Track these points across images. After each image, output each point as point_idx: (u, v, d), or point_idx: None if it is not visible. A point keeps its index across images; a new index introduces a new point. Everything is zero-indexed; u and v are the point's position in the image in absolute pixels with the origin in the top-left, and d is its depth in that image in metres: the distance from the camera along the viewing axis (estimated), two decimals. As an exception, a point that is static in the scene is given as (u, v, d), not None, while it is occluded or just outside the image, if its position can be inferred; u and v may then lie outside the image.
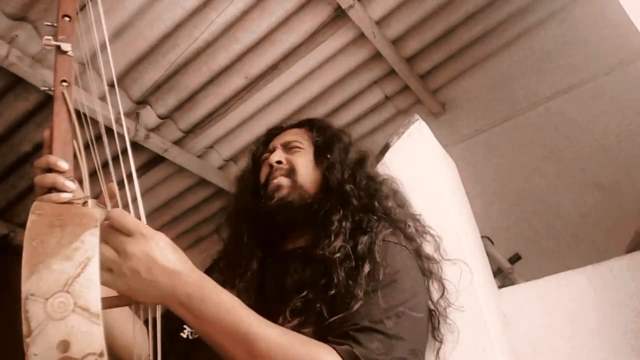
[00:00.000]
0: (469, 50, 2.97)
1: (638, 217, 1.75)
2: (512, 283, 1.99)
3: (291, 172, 1.15)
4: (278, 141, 1.25)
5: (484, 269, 1.60)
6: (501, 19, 2.82)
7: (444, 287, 1.10)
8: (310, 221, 1.08)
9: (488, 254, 1.84)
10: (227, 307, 0.74)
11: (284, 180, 1.13)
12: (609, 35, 2.58)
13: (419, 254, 1.08)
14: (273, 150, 1.22)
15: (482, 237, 1.80)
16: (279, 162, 1.16)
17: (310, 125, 1.27)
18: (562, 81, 2.81)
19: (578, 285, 1.52)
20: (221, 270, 1.13)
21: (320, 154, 1.18)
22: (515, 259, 2.16)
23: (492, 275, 1.74)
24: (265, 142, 1.31)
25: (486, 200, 2.42)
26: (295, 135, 1.24)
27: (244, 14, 2.38)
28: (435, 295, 1.09)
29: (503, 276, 2.08)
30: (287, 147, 1.21)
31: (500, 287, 1.73)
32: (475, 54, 3.00)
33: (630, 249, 1.62)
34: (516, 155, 2.86)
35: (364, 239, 0.98)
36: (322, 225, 1.05)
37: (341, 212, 1.06)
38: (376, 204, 1.11)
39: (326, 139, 1.22)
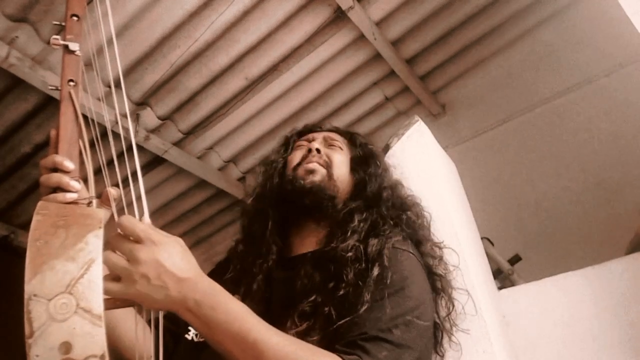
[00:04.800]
0: (469, 52, 2.98)
1: (638, 218, 1.75)
2: (512, 284, 1.99)
3: (328, 165, 1.14)
4: (319, 134, 1.24)
5: (483, 270, 1.60)
6: (500, 21, 2.83)
7: (452, 306, 1.09)
8: (330, 218, 1.08)
9: (488, 255, 1.84)
10: (235, 315, 0.74)
11: (319, 168, 1.12)
12: (609, 37, 2.59)
13: (430, 270, 1.07)
14: (312, 139, 1.21)
15: (482, 238, 1.80)
16: (319, 151, 1.15)
17: (352, 138, 1.27)
18: (561, 82, 2.81)
19: (577, 286, 1.52)
20: (239, 255, 1.13)
21: (357, 164, 1.18)
22: (515, 260, 2.17)
23: (492, 276, 1.74)
24: (300, 133, 1.30)
25: (486, 201, 2.42)
26: (336, 137, 1.25)
27: (244, 15, 2.38)
28: (442, 312, 1.08)
29: (503, 277, 2.08)
30: (327, 143, 1.21)
31: (500, 288, 1.74)
32: (475, 56, 3.01)
33: (630, 250, 1.62)
34: (516, 157, 2.86)
35: (375, 241, 0.98)
36: (343, 220, 1.05)
37: (364, 214, 1.06)
38: (404, 217, 1.10)
39: (367, 152, 1.22)
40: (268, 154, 1.29)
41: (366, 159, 1.19)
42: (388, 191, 1.13)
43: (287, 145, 1.27)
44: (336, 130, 1.31)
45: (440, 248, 1.15)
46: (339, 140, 1.23)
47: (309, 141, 1.21)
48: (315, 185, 1.09)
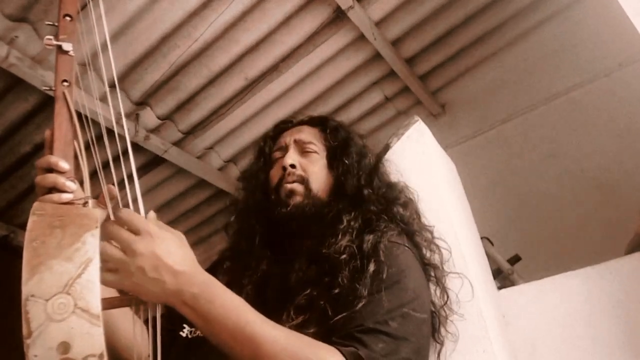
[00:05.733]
0: (469, 52, 2.98)
1: (637, 218, 1.75)
2: (511, 284, 1.99)
3: (305, 180, 1.12)
4: (290, 137, 1.20)
5: (483, 270, 1.59)
6: (500, 21, 2.83)
7: (447, 295, 1.09)
8: (321, 225, 1.07)
9: (488, 255, 1.84)
10: (232, 309, 0.75)
11: (297, 187, 1.11)
12: (609, 37, 2.59)
13: (423, 260, 1.07)
14: (285, 148, 1.18)
15: (481, 238, 1.79)
16: (293, 167, 1.13)
17: (324, 126, 1.24)
18: (561, 82, 2.81)
19: (577, 286, 1.52)
20: (226, 270, 1.11)
21: (334, 158, 1.16)
22: (514, 260, 2.16)
23: (491, 276, 1.74)
24: (274, 137, 1.27)
25: (486, 201, 2.42)
26: (308, 135, 1.20)
27: (244, 15, 2.38)
28: (437, 300, 1.09)
29: (503, 277, 2.08)
30: (301, 149, 1.18)
31: (499, 288, 1.73)
32: (475, 55, 3.01)
33: (630, 250, 1.62)
34: (516, 157, 2.86)
35: (370, 237, 0.98)
36: (331, 222, 1.05)
37: (352, 214, 1.05)
38: (395, 209, 1.10)
39: (341, 142, 1.19)
40: (246, 167, 1.29)
41: (341, 151, 1.17)
42: (368, 189, 1.12)
43: (264, 154, 1.25)
44: (307, 121, 1.28)
45: (432, 235, 1.16)
46: (312, 141, 1.19)
47: (283, 150, 1.19)
48: (298, 209, 1.08)
